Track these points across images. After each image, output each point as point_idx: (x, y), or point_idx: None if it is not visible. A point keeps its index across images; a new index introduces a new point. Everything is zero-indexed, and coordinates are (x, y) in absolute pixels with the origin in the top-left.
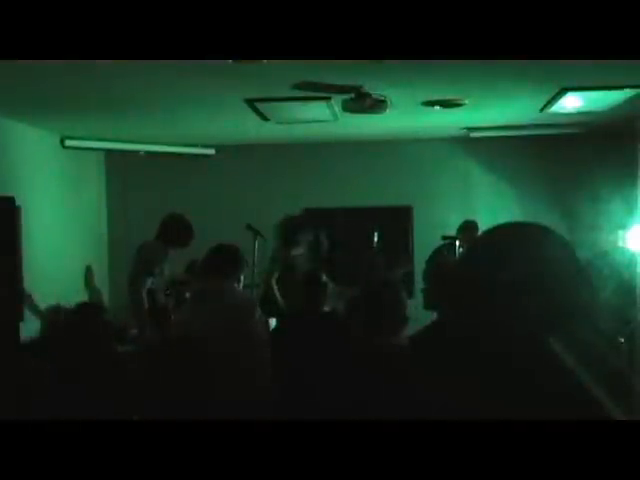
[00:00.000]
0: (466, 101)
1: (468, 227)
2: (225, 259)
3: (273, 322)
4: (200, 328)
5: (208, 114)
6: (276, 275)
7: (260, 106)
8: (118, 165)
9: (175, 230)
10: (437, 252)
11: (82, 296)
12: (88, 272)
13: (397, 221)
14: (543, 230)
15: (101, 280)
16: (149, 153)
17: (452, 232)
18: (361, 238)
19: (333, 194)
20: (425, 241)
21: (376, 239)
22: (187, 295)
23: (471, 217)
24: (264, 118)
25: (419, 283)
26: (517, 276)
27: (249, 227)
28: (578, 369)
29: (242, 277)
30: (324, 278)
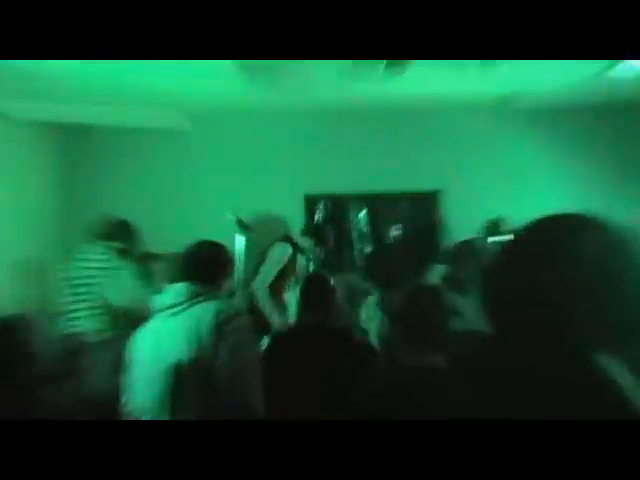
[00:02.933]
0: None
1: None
2: (207, 262)
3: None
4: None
5: (181, 76)
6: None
7: (249, 65)
8: (68, 141)
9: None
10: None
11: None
12: (30, 266)
13: (420, 210)
14: (598, 223)
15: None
16: (107, 126)
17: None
18: (378, 231)
19: (340, 177)
20: (456, 236)
21: (396, 233)
22: None
23: (515, 207)
24: (253, 81)
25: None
26: (562, 280)
27: (239, 223)
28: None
29: (227, 282)
30: (331, 282)
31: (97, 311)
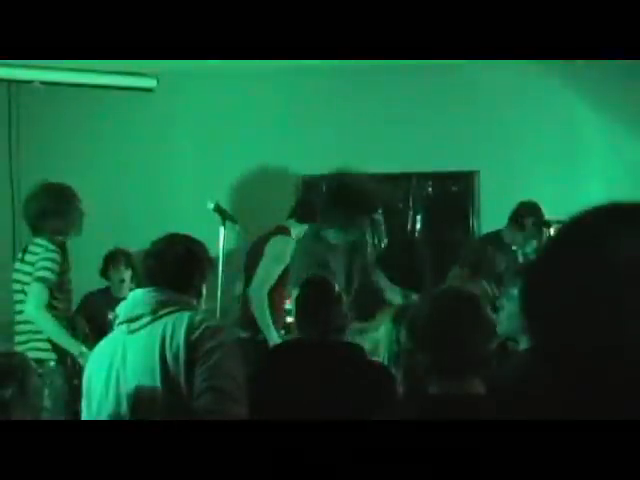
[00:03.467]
0: None
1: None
2: (179, 262)
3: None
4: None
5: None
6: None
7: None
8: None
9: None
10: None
11: None
12: None
13: (448, 196)
14: None
15: None
16: (59, 84)
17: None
18: (394, 222)
19: (347, 155)
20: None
21: (416, 223)
22: None
23: (575, 191)
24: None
25: None
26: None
27: (218, 210)
28: None
29: (204, 289)
30: (337, 288)
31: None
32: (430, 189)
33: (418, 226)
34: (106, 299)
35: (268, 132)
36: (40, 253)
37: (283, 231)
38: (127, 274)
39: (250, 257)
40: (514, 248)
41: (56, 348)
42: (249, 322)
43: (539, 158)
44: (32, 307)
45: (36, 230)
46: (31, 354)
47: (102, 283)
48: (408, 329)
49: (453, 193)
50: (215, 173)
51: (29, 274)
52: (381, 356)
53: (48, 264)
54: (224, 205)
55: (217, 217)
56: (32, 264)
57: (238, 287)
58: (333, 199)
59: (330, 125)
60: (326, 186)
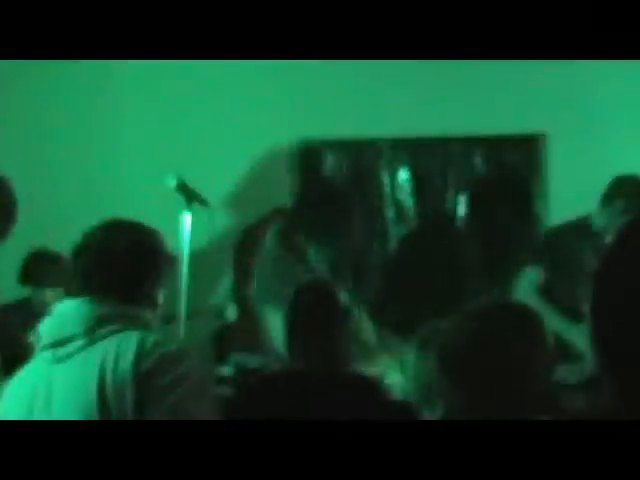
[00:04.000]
0: None
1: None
2: (124, 259)
3: None
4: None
5: None
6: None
7: None
8: None
9: None
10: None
11: None
12: None
13: (509, 168)
14: None
15: None
16: None
17: None
18: (428, 204)
19: (361, 112)
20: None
21: (459, 206)
22: None
23: None
24: None
25: None
26: None
27: (183, 189)
28: None
29: (160, 297)
30: (342, 296)
31: None
32: (479, 158)
33: (461, 209)
34: (24, 315)
35: (252, 89)
36: None
37: (277, 218)
38: (55, 282)
39: (243, 249)
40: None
41: None
42: (249, 338)
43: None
44: None
45: None
46: None
47: (18, 293)
48: (440, 358)
49: (510, 164)
50: (173, 143)
51: None
52: (406, 393)
53: None
54: (190, 185)
55: (179, 198)
56: None
57: (224, 289)
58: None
59: (349, 75)
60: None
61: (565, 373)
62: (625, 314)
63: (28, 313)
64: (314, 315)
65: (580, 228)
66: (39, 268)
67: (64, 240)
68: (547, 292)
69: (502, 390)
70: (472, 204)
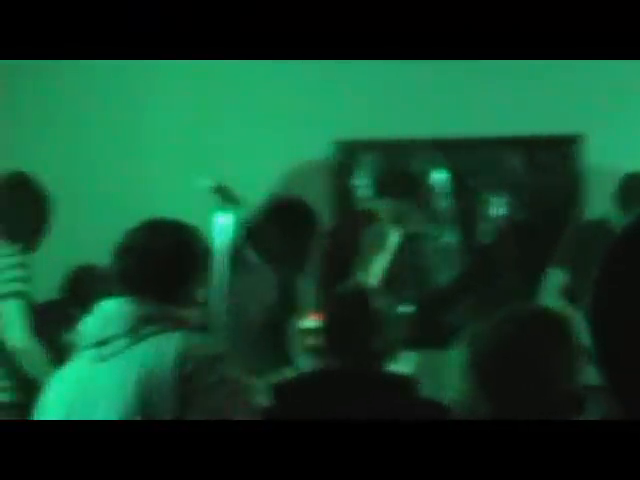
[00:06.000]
0: None
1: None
2: (167, 260)
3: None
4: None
5: None
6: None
7: None
8: None
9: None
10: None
11: None
12: None
13: (546, 169)
14: None
15: None
16: None
17: None
18: (468, 208)
19: (398, 113)
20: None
21: (499, 210)
22: None
23: None
24: None
25: None
26: None
27: (217, 188)
28: None
29: (202, 295)
30: (379, 300)
31: None
32: (515, 159)
33: (496, 211)
34: (58, 314)
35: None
36: (1, 257)
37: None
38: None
39: (331, 251)
40: None
41: (23, 388)
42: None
43: None
44: (20, 334)
45: None
46: None
47: (49, 291)
48: (470, 361)
49: (547, 165)
50: (207, 144)
51: None
52: (446, 393)
53: (20, 272)
54: (229, 187)
55: (213, 199)
56: None
57: (307, 292)
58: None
59: (385, 76)
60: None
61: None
62: (626, 314)
63: (61, 312)
64: (350, 317)
65: (599, 227)
66: (88, 288)
67: (97, 242)
68: (570, 293)
69: (529, 392)
70: (508, 205)
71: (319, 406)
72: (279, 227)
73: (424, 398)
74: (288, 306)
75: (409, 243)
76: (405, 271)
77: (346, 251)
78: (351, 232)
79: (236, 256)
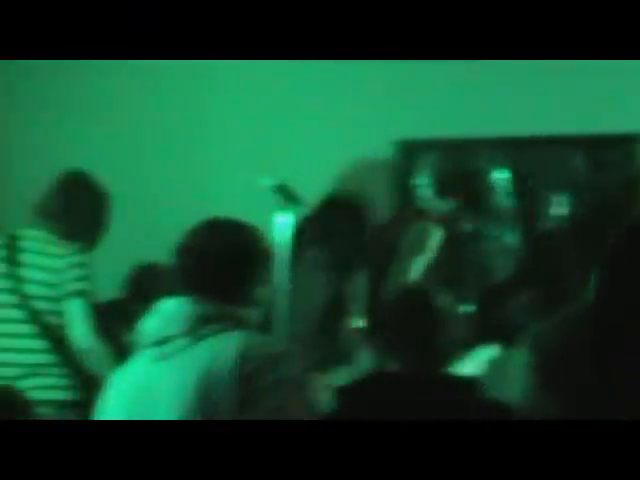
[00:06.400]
0: None
1: None
2: (228, 259)
3: None
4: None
5: None
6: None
7: None
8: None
9: None
10: None
11: None
12: None
13: (607, 169)
14: None
15: None
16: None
17: None
18: (529, 207)
19: (459, 112)
20: None
21: (560, 210)
22: None
23: None
24: None
25: None
26: None
27: (279, 187)
28: None
29: (262, 295)
30: (441, 302)
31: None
32: (578, 159)
33: (559, 210)
34: (120, 313)
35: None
36: (62, 257)
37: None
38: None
39: (378, 248)
40: None
41: (86, 386)
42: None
43: None
44: (83, 333)
45: (56, 228)
46: (40, 394)
47: (108, 290)
48: (534, 358)
49: (610, 164)
50: (269, 143)
51: (36, 282)
52: (511, 394)
53: (81, 272)
54: (290, 186)
55: (274, 198)
56: (38, 268)
57: (358, 289)
58: None
59: (447, 75)
60: None
61: None
62: (628, 308)
63: (121, 311)
64: (413, 316)
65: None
66: (149, 286)
67: (160, 241)
68: None
69: (594, 392)
70: (571, 205)
71: (383, 408)
72: (326, 225)
73: (490, 399)
74: (342, 303)
75: (470, 242)
76: (465, 270)
77: (385, 250)
78: (392, 230)
79: (294, 254)
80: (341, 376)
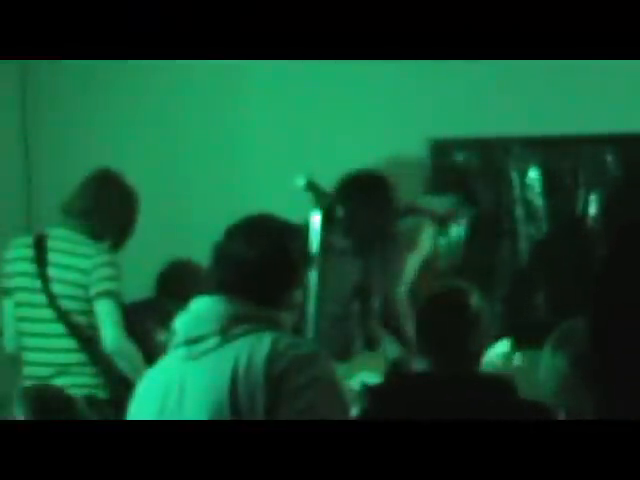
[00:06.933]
0: None
1: None
2: (263, 259)
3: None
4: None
5: None
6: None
7: None
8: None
9: None
10: None
11: None
12: None
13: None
14: None
15: None
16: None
17: None
18: (560, 204)
19: (491, 110)
20: None
21: (598, 209)
22: None
23: None
24: None
25: None
26: None
27: (310, 185)
28: None
29: (296, 296)
30: (474, 301)
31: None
32: (610, 158)
33: (592, 209)
34: (152, 313)
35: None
36: (90, 257)
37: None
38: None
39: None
40: None
41: (117, 385)
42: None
43: None
44: (112, 333)
45: (85, 228)
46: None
47: (142, 289)
48: (573, 358)
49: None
50: (303, 143)
51: (65, 282)
52: (544, 393)
53: (110, 271)
54: (318, 183)
55: (308, 197)
56: (66, 268)
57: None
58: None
59: (478, 74)
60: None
61: None
62: (624, 314)
63: (155, 311)
64: (446, 318)
65: None
66: (183, 285)
67: (195, 240)
68: None
69: (635, 392)
70: (604, 204)
71: (416, 409)
72: (351, 202)
73: (525, 399)
74: (371, 289)
75: (504, 240)
76: (497, 269)
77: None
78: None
79: (323, 245)
80: (368, 362)
